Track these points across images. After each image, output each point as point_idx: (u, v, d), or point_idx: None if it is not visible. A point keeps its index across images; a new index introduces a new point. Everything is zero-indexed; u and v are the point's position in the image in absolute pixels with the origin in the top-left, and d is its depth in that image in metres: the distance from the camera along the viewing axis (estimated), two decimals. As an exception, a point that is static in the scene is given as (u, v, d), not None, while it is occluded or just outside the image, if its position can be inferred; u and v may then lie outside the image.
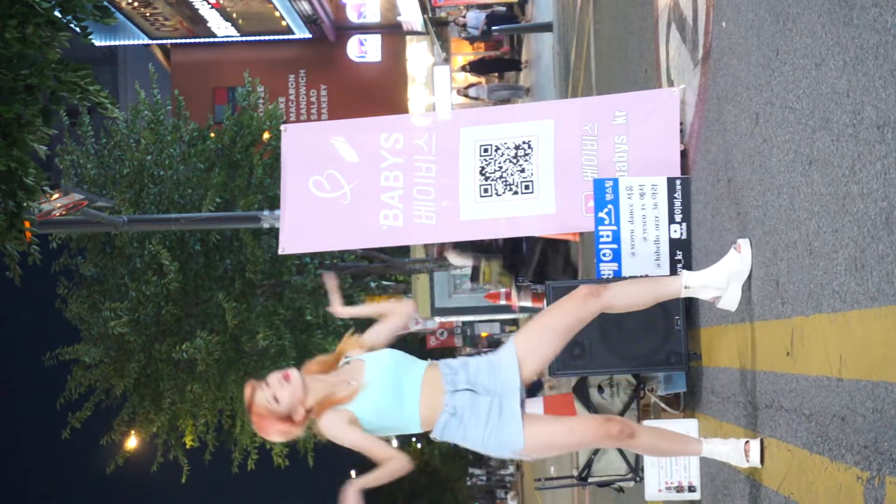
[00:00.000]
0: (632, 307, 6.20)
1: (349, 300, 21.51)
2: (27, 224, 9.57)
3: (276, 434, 5.76)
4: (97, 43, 35.07)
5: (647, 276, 7.82)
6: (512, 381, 5.80)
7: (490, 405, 5.75)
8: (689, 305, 7.67)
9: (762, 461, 5.78)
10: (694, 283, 6.23)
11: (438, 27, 35.53)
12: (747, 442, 5.84)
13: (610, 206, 8.12)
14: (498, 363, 5.87)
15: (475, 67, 32.19)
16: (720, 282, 6.15)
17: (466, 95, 32.67)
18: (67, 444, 19.34)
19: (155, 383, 18.75)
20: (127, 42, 36.67)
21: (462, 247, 20.03)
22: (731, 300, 6.19)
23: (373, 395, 5.71)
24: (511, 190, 8.97)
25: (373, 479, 5.65)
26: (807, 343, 4.99)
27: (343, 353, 5.95)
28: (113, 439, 19.55)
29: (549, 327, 5.94)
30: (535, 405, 10.13)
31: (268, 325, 17.93)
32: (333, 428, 5.72)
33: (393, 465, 5.67)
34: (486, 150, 9.04)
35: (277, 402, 5.60)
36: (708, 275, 6.22)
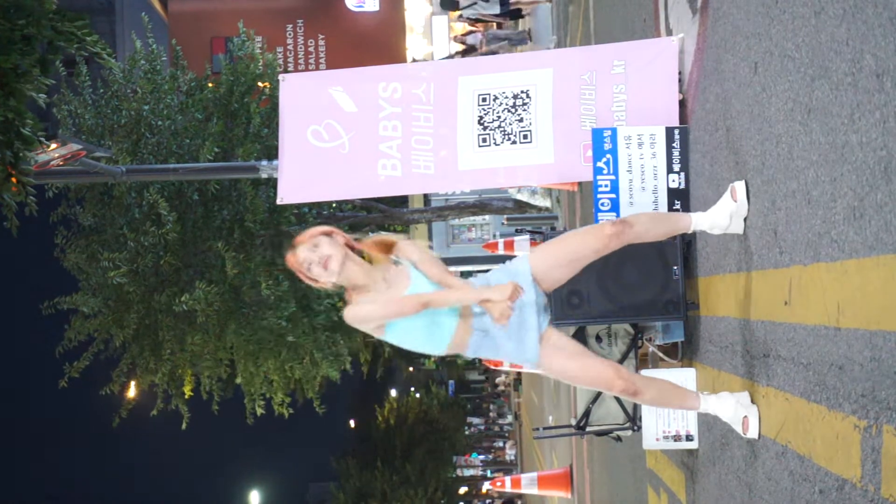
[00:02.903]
0: (645, 238, 6.31)
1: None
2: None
3: (297, 274, 5.98)
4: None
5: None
6: (529, 294, 5.97)
7: (513, 318, 5.92)
8: (687, 255, 7.68)
9: (760, 434, 5.82)
10: (702, 225, 6.40)
11: None
12: (745, 417, 5.90)
13: (608, 155, 8.11)
14: (515, 276, 6.03)
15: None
16: (724, 221, 6.25)
17: (464, 43, 32.52)
18: (65, 393, 19.38)
19: (154, 334, 18.76)
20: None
21: None
22: (737, 228, 6.25)
23: (407, 322, 5.87)
24: (509, 139, 8.95)
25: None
26: (805, 292, 5.00)
27: (399, 251, 6.00)
28: (112, 390, 19.57)
29: (567, 254, 6.13)
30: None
31: (267, 275, 17.92)
32: (361, 324, 5.90)
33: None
34: (484, 100, 9.02)
35: (309, 269, 5.82)
36: (712, 216, 6.33)
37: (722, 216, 6.25)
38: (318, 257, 5.77)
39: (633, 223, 6.14)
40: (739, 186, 6.11)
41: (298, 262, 5.84)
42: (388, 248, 5.98)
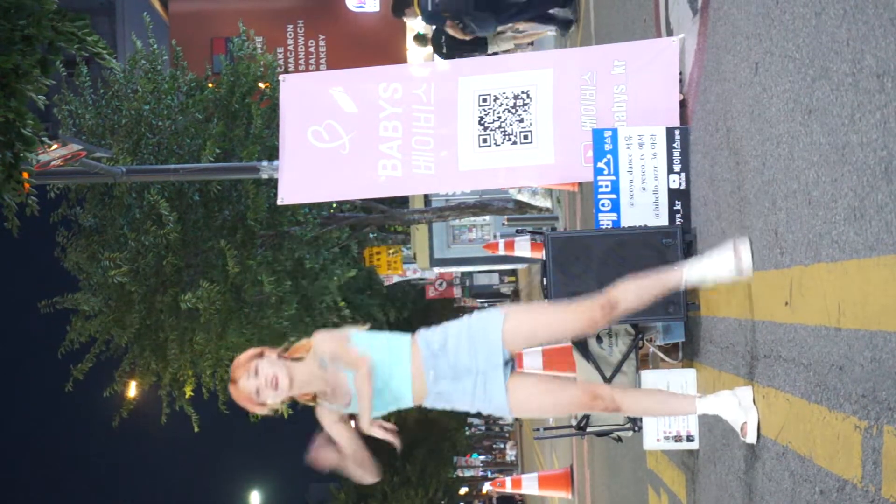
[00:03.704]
0: (635, 310, 6.12)
1: (347, 251, 21.44)
2: (26, 175, 9.54)
3: (246, 407, 5.91)
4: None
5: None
6: (495, 359, 5.84)
7: (475, 384, 5.88)
8: (688, 255, 7.67)
9: (758, 439, 5.81)
10: (693, 279, 6.15)
11: None
12: (744, 423, 5.87)
13: (609, 156, 8.11)
14: (482, 338, 5.86)
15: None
16: (720, 274, 6.03)
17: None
18: (69, 395, 19.34)
19: (155, 334, 18.73)
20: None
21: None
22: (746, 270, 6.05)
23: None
24: (510, 140, 8.96)
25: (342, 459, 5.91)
26: (805, 293, 5.00)
27: (318, 353, 5.95)
28: (115, 391, 19.55)
29: (546, 333, 6.05)
30: (535, 357, 10.15)
31: (269, 274, 17.90)
32: (326, 423, 5.92)
33: (363, 472, 5.97)
34: (484, 100, 9.02)
35: (258, 395, 5.73)
36: (705, 270, 6.08)
37: (719, 271, 6.01)
38: (263, 380, 5.70)
39: (621, 303, 5.85)
40: (744, 248, 5.91)
41: (245, 393, 5.75)
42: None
